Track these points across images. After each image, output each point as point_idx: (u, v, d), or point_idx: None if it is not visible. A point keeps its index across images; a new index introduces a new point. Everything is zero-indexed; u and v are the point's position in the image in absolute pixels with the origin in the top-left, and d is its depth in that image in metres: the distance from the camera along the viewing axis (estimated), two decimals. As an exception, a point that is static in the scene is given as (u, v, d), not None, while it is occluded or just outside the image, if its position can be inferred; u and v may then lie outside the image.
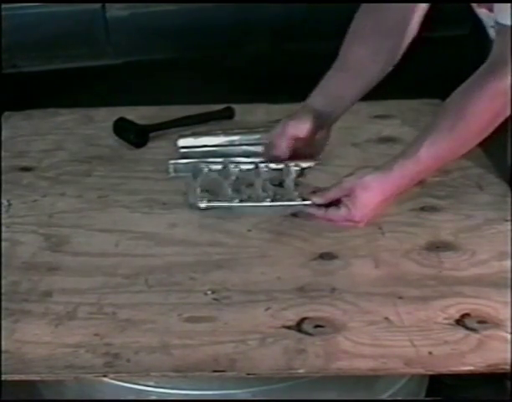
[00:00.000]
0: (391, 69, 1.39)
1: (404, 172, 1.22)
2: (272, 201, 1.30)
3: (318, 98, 1.38)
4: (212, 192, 1.46)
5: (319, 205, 1.26)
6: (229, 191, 1.33)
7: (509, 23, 1.15)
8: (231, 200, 1.31)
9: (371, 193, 1.22)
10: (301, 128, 1.35)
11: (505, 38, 1.16)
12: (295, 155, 1.37)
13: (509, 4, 1.14)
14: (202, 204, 1.30)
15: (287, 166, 1.33)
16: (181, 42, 3.30)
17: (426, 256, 1.27)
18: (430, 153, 1.19)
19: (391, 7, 1.37)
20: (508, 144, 1.57)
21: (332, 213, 1.25)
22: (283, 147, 1.36)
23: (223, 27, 3.27)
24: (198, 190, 1.41)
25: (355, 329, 1.09)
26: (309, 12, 3.25)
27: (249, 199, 1.32)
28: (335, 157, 1.62)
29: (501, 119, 1.19)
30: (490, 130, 1.20)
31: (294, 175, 1.31)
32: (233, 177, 1.37)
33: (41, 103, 1.92)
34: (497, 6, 1.18)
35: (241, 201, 1.31)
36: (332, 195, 1.26)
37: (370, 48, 1.37)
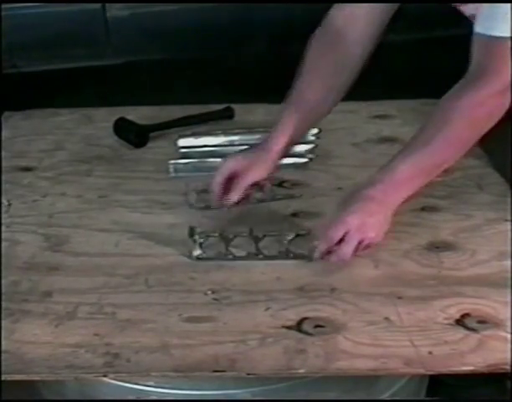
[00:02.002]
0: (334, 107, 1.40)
1: (383, 189, 1.20)
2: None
3: (279, 142, 1.36)
4: (209, 191, 1.46)
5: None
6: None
7: (482, 31, 1.15)
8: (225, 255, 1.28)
9: (362, 211, 1.19)
10: (261, 176, 1.35)
11: (481, 48, 1.16)
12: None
13: (484, 12, 1.14)
14: (196, 253, 1.28)
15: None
16: (181, 42, 3.30)
17: (426, 256, 1.27)
18: (406, 166, 1.20)
19: (348, 43, 1.37)
20: (508, 144, 1.57)
21: (345, 250, 1.20)
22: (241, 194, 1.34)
23: (223, 27, 3.27)
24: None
25: (355, 329, 1.09)
26: (308, 13, 3.25)
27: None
28: (335, 157, 1.62)
29: (483, 130, 1.19)
30: (473, 140, 1.20)
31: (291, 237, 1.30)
32: None
33: (41, 103, 1.92)
34: (476, 15, 1.17)
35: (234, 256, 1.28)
36: (324, 247, 1.21)
37: (325, 87, 1.37)
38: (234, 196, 1.33)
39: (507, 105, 1.17)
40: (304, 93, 1.37)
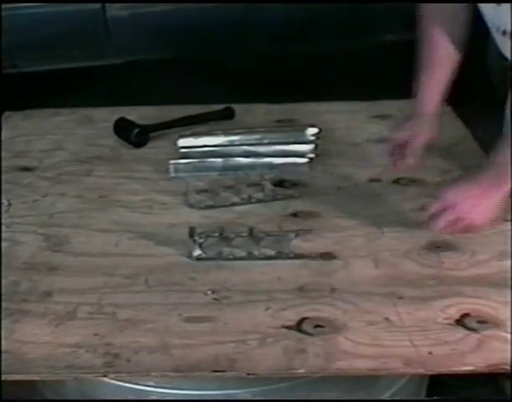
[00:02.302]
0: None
1: (499, 171, 1.24)
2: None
3: (430, 103, 1.49)
4: (211, 191, 1.47)
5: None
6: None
7: None
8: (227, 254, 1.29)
9: (470, 188, 1.26)
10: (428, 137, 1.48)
11: None
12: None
13: None
14: (196, 253, 1.28)
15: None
16: (181, 42, 3.30)
17: (426, 256, 1.27)
18: None
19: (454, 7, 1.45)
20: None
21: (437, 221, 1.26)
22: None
23: (223, 27, 3.27)
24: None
25: (355, 329, 1.09)
26: (308, 13, 3.25)
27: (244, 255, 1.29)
28: (336, 156, 1.62)
29: None
30: None
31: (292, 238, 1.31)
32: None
33: (41, 103, 1.92)
34: None
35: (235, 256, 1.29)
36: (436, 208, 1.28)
37: (449, 39, 1.45)
38: (411, 160, 1.46)
39: None
40: (432, 52, 1.47)
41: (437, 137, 1.49)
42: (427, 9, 1.48)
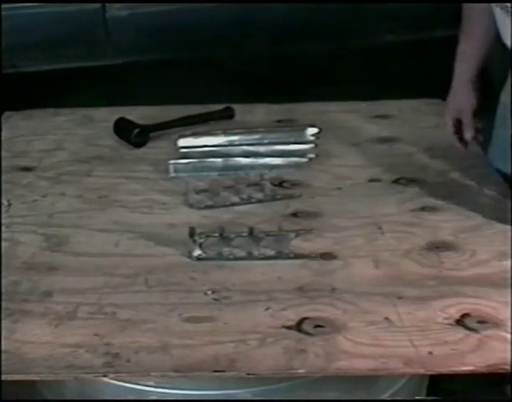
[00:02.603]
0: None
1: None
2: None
3: (467, 70, 1.55)
4: (211, 191, 1.47)
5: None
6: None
7: None
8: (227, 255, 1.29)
9: None
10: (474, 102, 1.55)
11: None
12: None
13: None
14: (196, 253, 1.28)
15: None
16: (181, 42, 3.30)
17: (426, 256, 1.27)
18: None
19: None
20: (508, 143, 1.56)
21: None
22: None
23: (223, 27, 3.27)
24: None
25: (355, 329, 1.09)
26: (308, 13, 3.25)
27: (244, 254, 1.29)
28: (336, 156, 1.62)
29: None
30: None
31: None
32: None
33: (41, 103, 1.92)
34: None
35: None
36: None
37: (484, 21, 1.51)
38: (468, 133, 1.53)
39: None
40: (471, 26, 1.54)
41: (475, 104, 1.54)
42: None
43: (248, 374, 1.03)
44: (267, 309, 1.14)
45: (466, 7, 1.55)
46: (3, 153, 1.64)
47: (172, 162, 1.56)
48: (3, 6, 2.87)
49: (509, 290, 1.16)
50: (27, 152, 1.68)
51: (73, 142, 1.72)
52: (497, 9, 1.42)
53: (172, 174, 1.54)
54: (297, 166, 1.57)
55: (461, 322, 1.10)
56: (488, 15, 1.49)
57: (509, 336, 1.07)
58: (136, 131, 1.70)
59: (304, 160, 1.58)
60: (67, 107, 1.92)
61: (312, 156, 1.59)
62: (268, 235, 1.30)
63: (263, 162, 1.57)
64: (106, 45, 3.28)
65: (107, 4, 3.23)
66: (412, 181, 1.51)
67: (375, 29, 3.25)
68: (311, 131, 1.65)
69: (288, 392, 1.19)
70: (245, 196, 1.46)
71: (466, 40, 1.55)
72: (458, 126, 1.54)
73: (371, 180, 1.52)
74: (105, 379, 1.18)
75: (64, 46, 3.25)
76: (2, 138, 1.72)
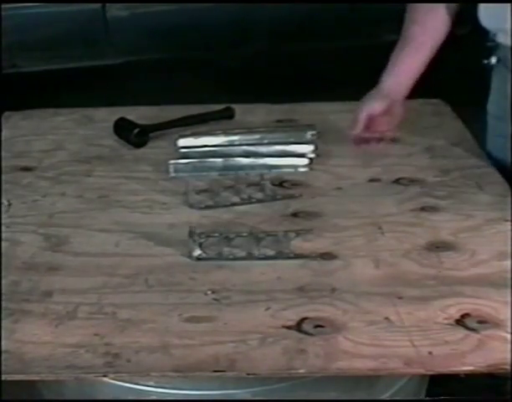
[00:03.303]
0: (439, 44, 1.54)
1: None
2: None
3: (387, 82, 1.56)
4: (211, 191, 1.47)
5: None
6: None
7: None
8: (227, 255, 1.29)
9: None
10: (374, 109, 1.54)
11: None
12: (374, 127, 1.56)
13: None
14: (196, 253, 1.28)
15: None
16: (181, 42, 3.30)
17: (426, 256, 1.27)
18: None
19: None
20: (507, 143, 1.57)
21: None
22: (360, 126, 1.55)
23: (223, 27, 3.28)
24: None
25: (355, 329, 1.09)
26: (307, 12, 3.25)
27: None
28: (336, 156, 1.62)
29: None
30: None
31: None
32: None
33: (41, 103, 1.92)
34: None
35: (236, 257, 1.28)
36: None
37: (424, 26, 1.52)
38: (353, 130, 1.55)
39: None
40: (417, 34, 1.53)
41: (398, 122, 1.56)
42: None
43: (248, 374, 1.03)
44: (267, 309, 1.14)
45: (416, 9, 1.53)
46: (3, 153, 1.64)
47: (172, 162, 1.56)
48: (3, 6, 2.87)
49: (509, 290, 1.16)
50: (27, 152, 1.68)
51: (73, 142, 1.72)
52: None
53: (172, 174, 1.54)
54: (297, 166, 1.57)
55: (461, 322, 1.10)
56: (439, 23, 1.51)
57: (509, 336, 1.07)
58: (136, 131, 1.70)
59: (304, 160, 1.58)
60: (67, 107, 1.92)
61: (312, 156, 1.59)
62: (268, 235, 1.30)
63: (263, 162, 1.57)
64: (106, 45, 3.29)
65: (107, 4, 3.24)
66: (412, 181, 1.51)
67: (375, 29, 3.25)
68: (311, 131, 1.65)
69: (288, 392, 1.19)
70: (245, 196, 1.46)
71: (412, 48, 1.53)
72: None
73: (371, 180, 1.52)
74: (105, 379, 1.18)
75: (64, 46, 3.25)
76: (2, 138, 1.72)
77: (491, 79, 1.56)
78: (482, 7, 1.45)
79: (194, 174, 1.54)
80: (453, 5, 1.52)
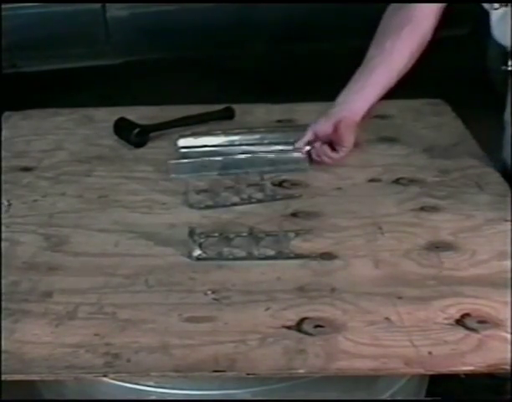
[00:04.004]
0: (412, 62, 1.51)
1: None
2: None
3: (336, 108, 1.55)
4: (211, 191, 1.47)
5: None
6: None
7: None
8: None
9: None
10: (320, 130, 1.54)
11: None
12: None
13: None
14: (196, 253, 1.28)
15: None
16: (181, 42, 3.30)
17: (426, 256, 1.27)
18: None
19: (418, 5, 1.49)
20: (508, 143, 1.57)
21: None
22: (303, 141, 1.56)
23: (223, 27, 3.27)
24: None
25: (355, 329, 1.09)
26: (308, 12, 3.25)
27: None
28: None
29: None
30: None
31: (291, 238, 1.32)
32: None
33: (41, 103, 1.92)
34: None
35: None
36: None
37: (397, 42, 1.49)
38: (299, 143, 1.56)
39: None
40: (384, 58, 1.51)
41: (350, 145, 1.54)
42: (390, 14, 1.52)
43: (248, 374, 1.03)
44: (267, 309, 1.14)
45: (386, 32, 1.52)
46: (3, 153, 1.64)
47: (172, 162, 1.56)
48: (3, 6, 2.87)
49: (509, 290, 1.16)
50: (27, 152, 1.68)
51: (73, 142, 1.72)
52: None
53: (172, 175, 1.54)
54: (297, 166, 1.57)
55: (461, 322, 1.10)
56: (409, 50, 1.48)
57: (509, 336, 1.07)
58: (136, 131, 1.70)
59: (305, 160, 1.58)
60: (67, 107, 1.92)
61: (309, 148, 1.59)
62: (268, 235, 1.30)
63: (264, 162, 1.57)
64: (106, 45, 3.29)
65: (107, 4, 3.24)
66: (412, 181, 1.51)
67: (375, 29, 3.25)
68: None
69: (288, 392, 1.19)
70: (245, 196, 1.46)
71: (375, 73, 1.52)
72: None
73: (371, 180, 1.52)
74: (105, 379, 1.18)
75: (64, 46, 3.25)
76: (2, 138, 1.72)
77: (509, 85, 1.53)
78: (495, 24, 1.43)
79: (194, 174, 1.53)
80: (430, 23, 1.50)
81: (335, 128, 1.52)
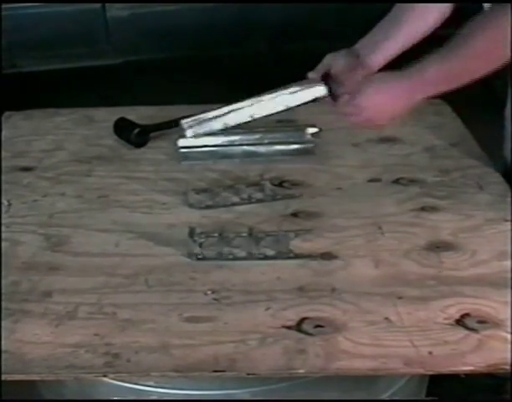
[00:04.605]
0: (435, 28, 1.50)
1: (412, 82, 1.31)
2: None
3: (363, 42, 1.53)
4: (211, 191, 1.47)
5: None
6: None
7: None
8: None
9: (380, 95, 1.35)
10: (337, 61, 1.51)
11: None
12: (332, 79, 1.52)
13: None
14: (196, 253, 1.28)
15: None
16: (180, 42, 3.30)
17: (426, 256, 1.27)
18: (438, 71, 1.28)
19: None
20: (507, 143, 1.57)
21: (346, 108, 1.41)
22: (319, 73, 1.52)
23: (223, 27, 3.27)
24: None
25: (355, 329, 1.09)
26: (307, 12, 3.25)
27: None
28: (336, 157, 1.62)
29: (506, 49, 1.24)
30: (497, 58, 1.25)
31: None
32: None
33: (41, 103, 1.92)
34: None
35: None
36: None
37: (418, 8, 1.49)
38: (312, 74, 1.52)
39: None
40: (395, 12, 1.53)
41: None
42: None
43: (248, 374, 1.03)
44: (267, 309, 1.14)
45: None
46: (3, 153, 1.64)
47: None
48: (3, 6, 2.87)
49: (509, 290, 1.16)
50: (27, 152, 1.68)
51: (73, 142, 1.72)
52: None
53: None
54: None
55: (461, 322, 1.10)
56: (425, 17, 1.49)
57: (509, 336, 1.07)
58: (136, 131, 1.70)
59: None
60: (67, 107, 1.92)
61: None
62: (268, 235, 1.30)
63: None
64: (106, 45, 3.29)
65: (107, 4, 3.23)
66: (412, 181, 1.51)
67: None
68: (311, 130, 1.65)
69: (288, 392, 1.19)
70: (245, 196, 1.46)
71: (395, 28, 1.51)
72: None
73: (371, 180, 1.52)
74: (105, 379, 1.18)
75: (64, 46, 3.25)
76: (2, 138, 1.72)
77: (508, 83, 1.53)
78: None
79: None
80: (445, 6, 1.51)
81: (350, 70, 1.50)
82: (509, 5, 1.22)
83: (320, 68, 1.52)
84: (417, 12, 1.50)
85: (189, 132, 1.57)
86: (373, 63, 1.50)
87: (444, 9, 1.50)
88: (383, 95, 1.35)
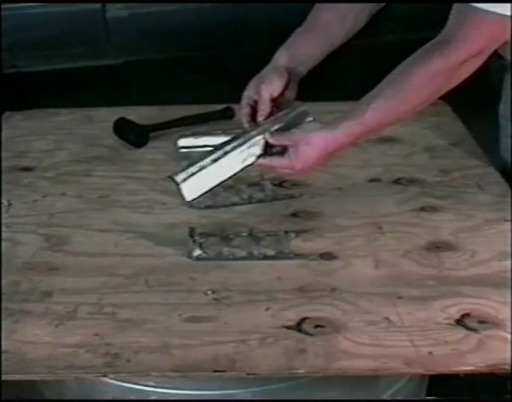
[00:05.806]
0: (353, 33, 1.51)
1: (348, 132, 1.27)
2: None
3: (284, 56, 1.47)
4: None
5: (264, 155, 1.33)
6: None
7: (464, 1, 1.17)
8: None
9: (314, 149, 1.28)
10: (275, 89, 1.41)
11: (457, 16, 1.20)
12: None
13: None
14: (196, 253, 1.28)
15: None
16: (181, 42, 3.30)
17: (426, 256, 1.27)
18: (374, 117, 1.26)
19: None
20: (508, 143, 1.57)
21: (275, 160, 1.32)
22: (267, 111, 1.41)
23: (223, 27, 3.27)
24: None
25: (355, 329, 1.09)
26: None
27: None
28: (335, 157, 1.62)
29: (441, 94, 1.26)
30: (430, 102, 1.26)
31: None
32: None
33: (41, 103, 1.92)
34: None
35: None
36: (280, 141, 1.32)
37: (338, 14, 1.48)
38: (260, 116, 1.40)
39: (471, 72, 1.21)
40: (314, 18, 1.51)
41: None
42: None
43: (248, 374, 1.03)
44: (267, 309, 1.14)
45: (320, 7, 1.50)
46: (3, 153, 1.64)
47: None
48: (3, 6, 2.87)
49: (509, 290, 1.16)
50: (27, 152, 1.68)
51: (73, 142, 1.72)
52: None
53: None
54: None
55: (461, 322, 1.10)
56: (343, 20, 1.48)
57: (509, 336, 1.07)
58: (136, 131, 1.70)
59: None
60: (67, 107, 1.92)
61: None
62: (268, 235, 1.30)
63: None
64: (106, 45, 3.28)
65: (107, 4, 3.23)
66: (412, 181, 1.51)
67: (374, 29, 3.25)
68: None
69: (288, 392, 1.19)
70: (245, 196, 1.46)
71: (306, 25, 1.50)
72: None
73: (371, 180, 1.52)
74: (105, 379, 1.18)
75: (64, 46, 3.25)
76: (2, 138, 1.72)
77: (504, 79, 1.53)
78: None
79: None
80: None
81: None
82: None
83: (251, 94, 1.44)
84: (335, 16, 1.48)
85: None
86: (301, 75, 1.47)
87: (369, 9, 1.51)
88: (321, 152, 1.28)
